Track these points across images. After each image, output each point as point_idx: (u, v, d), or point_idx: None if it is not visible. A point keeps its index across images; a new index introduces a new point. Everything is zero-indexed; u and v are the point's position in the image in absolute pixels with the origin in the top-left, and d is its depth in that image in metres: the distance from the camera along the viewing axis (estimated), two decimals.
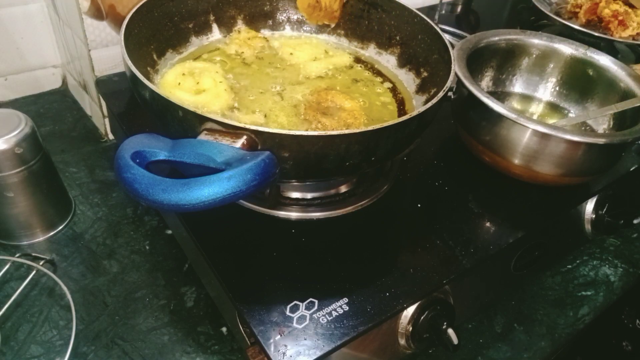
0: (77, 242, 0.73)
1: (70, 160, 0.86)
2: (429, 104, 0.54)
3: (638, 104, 0.72)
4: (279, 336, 0.50)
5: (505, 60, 0.85)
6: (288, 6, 0.80)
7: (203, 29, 0.75)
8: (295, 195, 0.64)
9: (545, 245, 0.72)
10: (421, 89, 0.71)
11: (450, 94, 0.63)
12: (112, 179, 0.83)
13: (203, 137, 0.47)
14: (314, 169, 0.52)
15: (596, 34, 1.03)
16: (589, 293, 0.77)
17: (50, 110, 0.96)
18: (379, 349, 0.59)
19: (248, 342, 0.55)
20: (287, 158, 0.48)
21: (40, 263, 0.67)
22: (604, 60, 0.80)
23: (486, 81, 0.85)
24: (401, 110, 0.70)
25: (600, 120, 0.79)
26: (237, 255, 0.58)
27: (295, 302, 0.53)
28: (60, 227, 0.74)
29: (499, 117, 0.66)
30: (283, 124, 0.63)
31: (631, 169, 0.79)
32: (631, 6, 1.12)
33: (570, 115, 0.84)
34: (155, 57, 0.67)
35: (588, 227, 0.79)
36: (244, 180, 0.43)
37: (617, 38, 1.08)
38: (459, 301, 0.62)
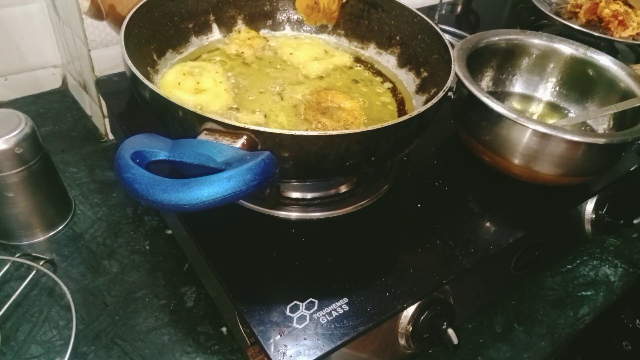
0: (77, 242, 0.73)
1: (70, 160, 0.86)
2: (429, 104, 0.54)
3: (638, 104, 0.72)
4: (279, 336, 0.50)
5: (505, 60, 0.85)
6: (288, 6, 0.80)
7: (203, 29, 0.75)
8: (295, 195, 0.64)
9: (545, 245, 0.72)
10: (421, 89, 0.71)
11: (450, 94, 0.63)
12: (112, 179, 0.83)
13: (203, 137, 0.47)
14: (314, 169, 0.52)
15: (596, 34, 1.03)
16: (589, 293, 0.77)
17: (50, 110, 0.96)
18: (379, 349, 0.59)
19: (248, 342, 0.55)
20: (287, 158, 0.48)
21: (40, 263, 0.67)
22: (604, 60, 0.80)
23: (486, 81, 0.85)
24: (401, 110, 0.70)
25: (600, 120, 0.80)
26: (237, 255, 0.58)
27: (295, 302, 0.53)
28: (60, 227, 0.74)
29: (499, 117, 0.66)
30: (283, 124, 0.63)
31: (631, 169, 0.79)
32: (631, 6, 1.12)
33: (570, 115, 0.84)
34: (155, 57, 0.67)
35: (588, 227, 0.79)
36: (244, 180, 0.43)
37: (617, 38, 1.08)
38: (459, 301, 0.62)
